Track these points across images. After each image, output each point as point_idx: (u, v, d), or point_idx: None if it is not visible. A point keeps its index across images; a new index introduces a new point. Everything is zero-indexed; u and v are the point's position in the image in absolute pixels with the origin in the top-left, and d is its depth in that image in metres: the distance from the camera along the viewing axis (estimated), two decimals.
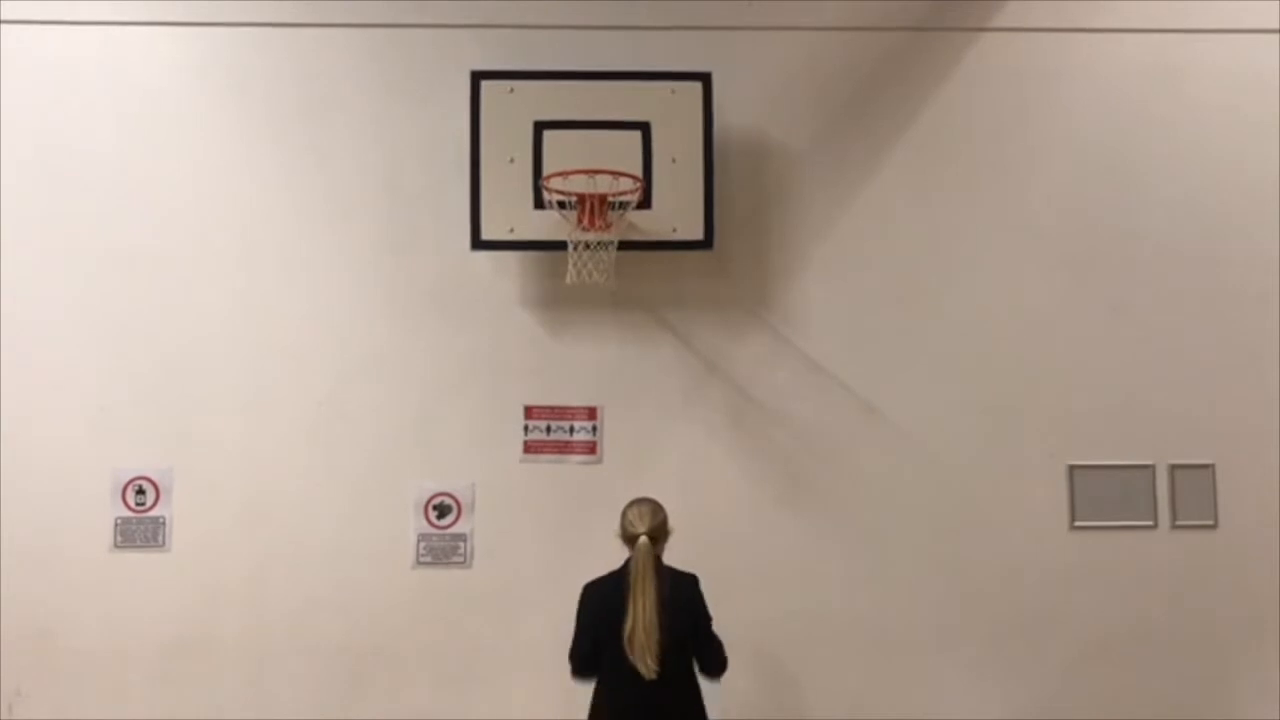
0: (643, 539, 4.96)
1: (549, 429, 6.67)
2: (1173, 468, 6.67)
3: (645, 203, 6.29)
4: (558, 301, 6.64)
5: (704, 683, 5.11)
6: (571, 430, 6.66)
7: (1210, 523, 6.65)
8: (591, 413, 6.68)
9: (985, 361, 6.72)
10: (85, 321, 6.60)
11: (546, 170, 6.21)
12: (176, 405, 6.58)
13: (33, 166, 6.65)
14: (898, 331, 6.73)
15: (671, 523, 5.18)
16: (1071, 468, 6.66)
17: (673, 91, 6.37)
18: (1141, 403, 6.70)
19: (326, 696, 6.42)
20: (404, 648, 6.46)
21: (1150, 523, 6.65)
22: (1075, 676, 6.53)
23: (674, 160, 6.33)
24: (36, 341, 6.57)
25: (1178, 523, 6.65)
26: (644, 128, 6.34)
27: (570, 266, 6.14)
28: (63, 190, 6.66)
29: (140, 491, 6.51)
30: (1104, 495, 6.64)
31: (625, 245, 6.22)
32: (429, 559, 6.55)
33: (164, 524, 6.51)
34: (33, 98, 6.69)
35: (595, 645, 4.96)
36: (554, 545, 6.55)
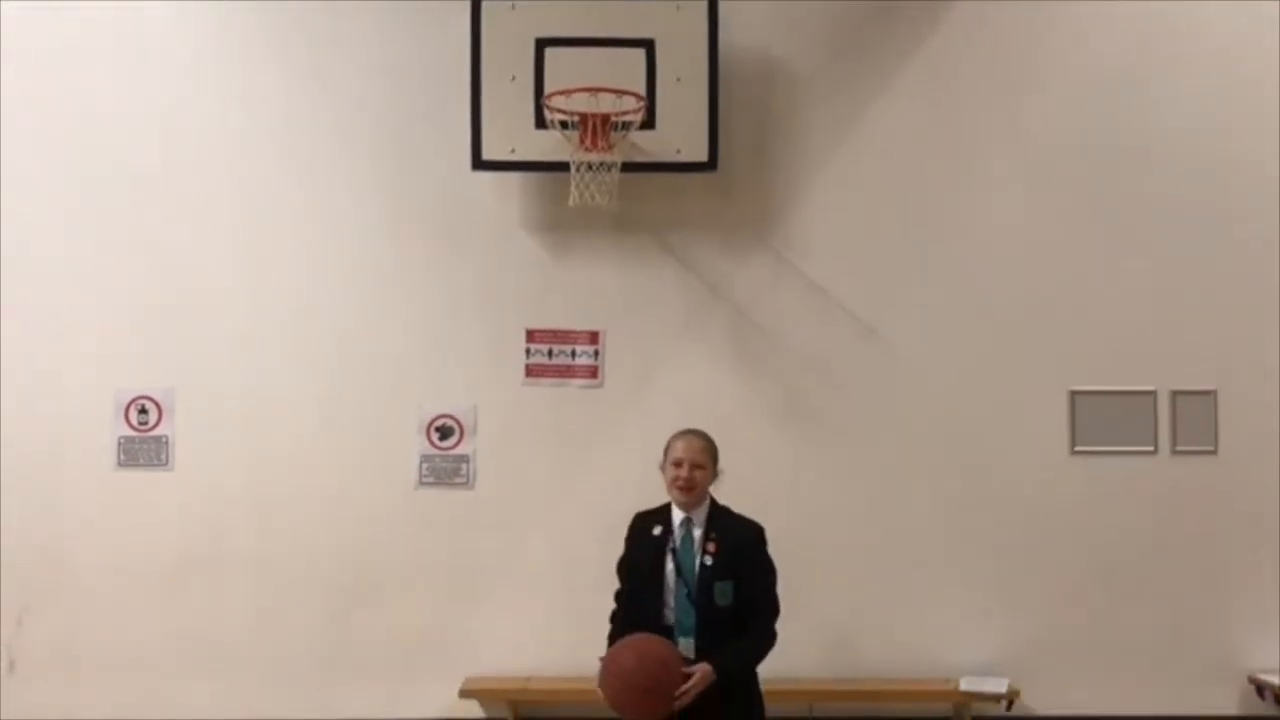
0: None
1: (550, 353, 6.66)
2: (1174, 393, 6.68)
3: (649, 123, 6.20)
4: (559, 224, 6.59)
5: None
6: (573, 354, 6.66)
7: (1210, 448, 6.67)
8: (593, 337, 6.66)
9: (988, 286, 6.69)
10: (86, 242, 6.57)
11: (548, 89, 6.12)
12: (178, 327, 6.57)
13: (31, 91, 6.56)
14: (900, 255, 6.69)
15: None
16: (1073, 393, 6.66)
17: (678, 8, 6.26)
18: (1144, 328, 6.68)
19: (330, 614, 6.50)
20: (407, 567, 6.52)
21: (1150, 448, 6.67)
22: (1073, 600, 6.60)
23: (678, 79, 6.24)
24: (38, 262, 6.54)
25: (1178, 448, 6.67)
26: (648, 46, 6.23)
27: (572, 188, 6.07)
28: (62, 113, 6.58)
29: (143, 411, 6.53)
30: (1105, 420, 6.65)
31: (628, 167, 6.15)
32: (431, 479, 6.59)
33: (167, 443, 6.53)
34: (31, 13, 6.58)
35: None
36: (555, 468, 6.58)
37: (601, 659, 3.96)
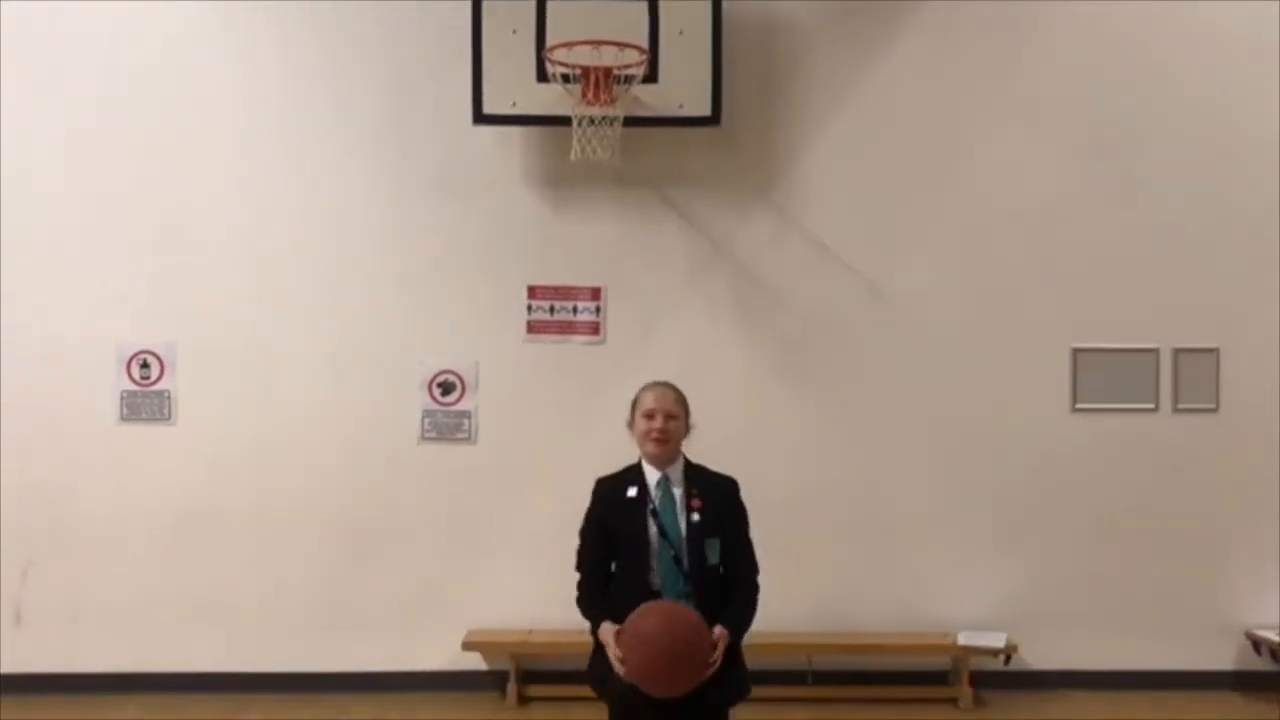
0: None
1: (552, 309, 6.65)
2: (1176, 351, 6.67)
3: (651, 76, 6.15)
4: (561, 179, 6.55)
5: None
6: (575, 310, 6.65)
7: (1212, 406, 6.67)
8: (595, 293, 6.65)
9: (991, 243, 6.67)
10: (88, 197, 6.53)
11: (550, 42, 6.05)
12: (179, 281, 6.56)
13: (36, 47, 6.50)
14: (903, 212, 6.66)
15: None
16: (1075, 350, 6.66)
17: None
18: (1147, 286, 6.67)
19: (332, 568, 6.54)
20: (409, 521, 6.56)
21: (1152, 406, 6.68)
22: (1072, 556, 6.64)
23: (681, 33, 6.18)
24: (39, 216, 6.51)
25: (1179, 406, 6.67)
26: None
27: (574, 142, 6.03)
28: (66, 70, 6.52)
29: (144, 365, 6.53)
30: (1107, 378, 6.65)
31: (630, 121, 6.11)
32: (433, 435, 6.60)
33: (169, 397, 6.55)
34: None
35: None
36: (557, 424, 6.59)
37: (621, 630, 3.63)
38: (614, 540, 3.81)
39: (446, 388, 6.61)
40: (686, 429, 3.92)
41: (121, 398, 6.52)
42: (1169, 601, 6.64)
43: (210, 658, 6.48)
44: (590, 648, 3.97)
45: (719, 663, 3.62)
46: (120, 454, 6.51)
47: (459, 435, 6.61)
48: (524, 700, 6.35)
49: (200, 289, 6.56)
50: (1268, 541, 6.65)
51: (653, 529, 3.74)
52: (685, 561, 3.71)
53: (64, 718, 6.04)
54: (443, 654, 6.46)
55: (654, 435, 3.81)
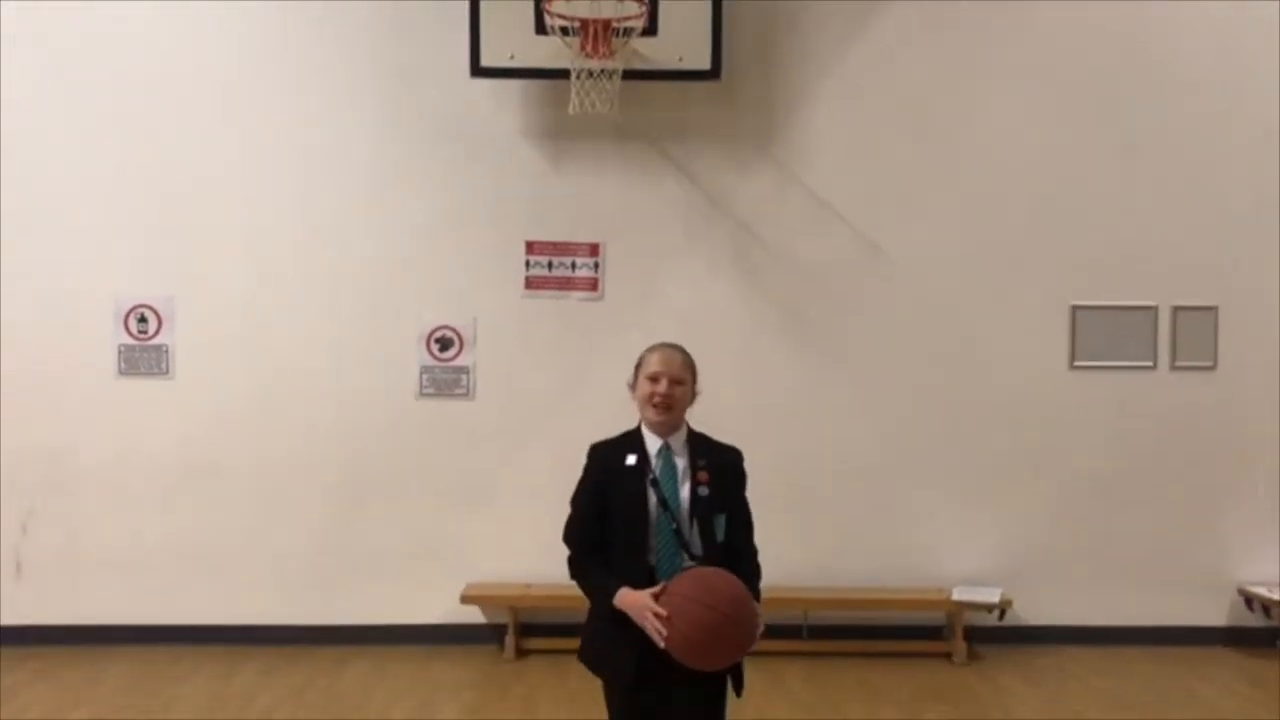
0: None
1: (550, 265, 6.63)
2: (1175, 309, 6.67)
3: (651, 29, 6.09)
4: (560, 133, 6.51)
5: None
6: (573, 266, 6.63)
7: (1209, 364, 6.68)
8: (594, 249, 6.62)
9: (991, 200, 6.64)
10: (85, 151, 6.49)
11: None
12: (177, 235, 6.53)
13: (36, 2, 6.42)
14: (904, 168, 6.62)
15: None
16: (1074, 308, 6.65)
17: None
18: (1148, 244, 6.65)
19: (332, 522, 6.57)
20: (408, 476, 6.58)
21: (1150, 363, 6.68)
22: (1068, 513, 6.67)
23: None
24: (37, 170, 6.47)
25: (1177, 364, 6.68)
26: None
27: (573, 95, 5.98)
28: (63, 23, 6.45)
29: (142, 320, 6.52)
30: (1105, 336, 6.65)
31: (629, 74, 6.06)
32: (432, 390, 6.61)
33: (167, 352, 6.54)
34: None
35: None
36: (555, 380, 6.59)
37: (662, 592, 3.24)
38: (609, 511, 3.47)
39: (445, 343, 6.61)
40: (692, 395, 3.59)
41: (119, 352, 6.51)
42: (1163, 558, 6.68)
43: (209, 610, 6.52)
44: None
45: (761, 635, 3.32)
46: (119, 408, 6.51)
47: (457, 391, 6.62)
48: (522, 653, 6.40)
49: (197, 245, 6.53)
50: (1262, 499, 6.69)
51: (652, 500, 3.41)
52: (686, 535, 3.39)
53: (64, 669, 6.07)
54: (441, 607, 6.51)
55: (657, 401, 3.48)
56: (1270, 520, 6.68)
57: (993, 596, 6.42)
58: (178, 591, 6.51)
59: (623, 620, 3.29)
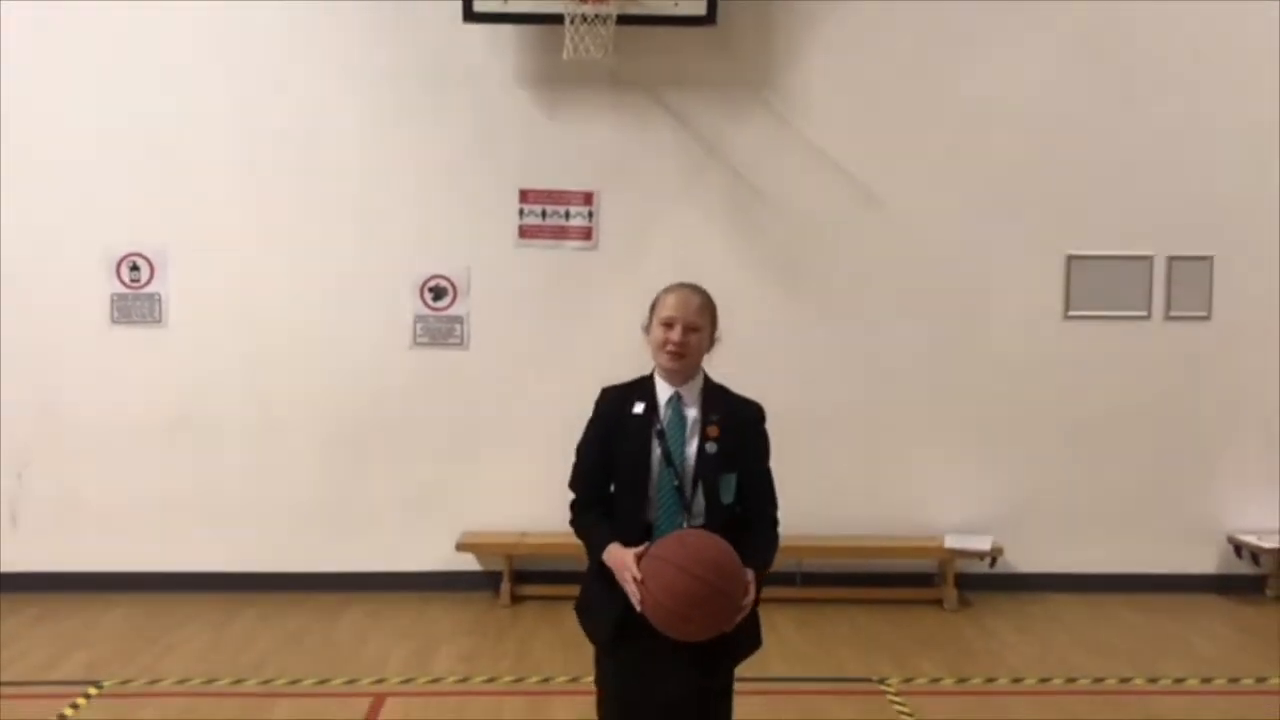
0: None
1: (544, 213, 6.59)
2: (1171, 259, 6.66)
3: None
4: (554, 79, 6.44)
5: None
6: (567, 215, 6.59)
7: (1204, 314, 6.69)
8: (588, 197, 6.59)
9: (988, 150, 6.60)
10: (75, 98, 6.41)
11: None
12: (167, 184, 6.47)
13: None
14: (901, 117, 6.57)
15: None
16: (1070, 257, 6.64)
17: None
18: (1144, 194, 6.63)
19: (326, 470, 6.58)
20: (403, 425, 6.58)
21: (1144, 314, 6.68)
22: (1060, 462, 6.70)
23: None
24: (31, 118, 6.39)
25: (1172, 314, 6.68)
26: None
27: (567, 40, 5.92)
28: None
29: (134, 268, 6.49)
30: (1100, 286, 6.65)
31: (624, 20, 5.99)
32: (426, 340, 6.60)
33: (159, 300, 6.51)
34: None
35: None
36: (549, 329, 6.58)
37: (644, 553, 3.01)
38: (614, 461, 3.22)
39: (438, 293, 6.59)
40: (710, 342, 3.28)
41: (112, 300, 6.49)
42: (1154, 506, 6.73)
43: (205, 558, 6.55)
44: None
45: (749, 608, 3.08)
46: (112, 356, 6.49)
47: (451, 340, 6.61)
48: (517, 600, 6.45)
49: (190, 192, 6.48)
50: (1254, 448, 6.73)
51: (656, 453, 3.14)
52: (689, 494, 3.13)
53: (62, 615, 6.12)
54: (437, 555, 6.55)
55: (670, 348, 3.16)
56: (1260, 469, 6.73)
57: (984, 544, 6.47)
58: (174, 539, 6.54)
59: (610, 576, 3.10)
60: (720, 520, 3.13)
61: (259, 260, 6.50)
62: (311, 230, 6.52)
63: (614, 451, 3.22)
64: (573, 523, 3.31)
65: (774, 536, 3.27)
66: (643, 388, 3.26)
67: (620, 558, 3.05)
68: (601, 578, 3.14)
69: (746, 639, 3.20)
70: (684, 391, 3.22)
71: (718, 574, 2.93)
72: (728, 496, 3.16)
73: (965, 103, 6.58)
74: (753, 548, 3.12)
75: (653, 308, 3.27)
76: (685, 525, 3.10)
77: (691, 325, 3.19)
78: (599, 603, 3.18)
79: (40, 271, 6.43)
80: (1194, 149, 6.62)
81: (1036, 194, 6.62)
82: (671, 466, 3.13)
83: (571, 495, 3.33)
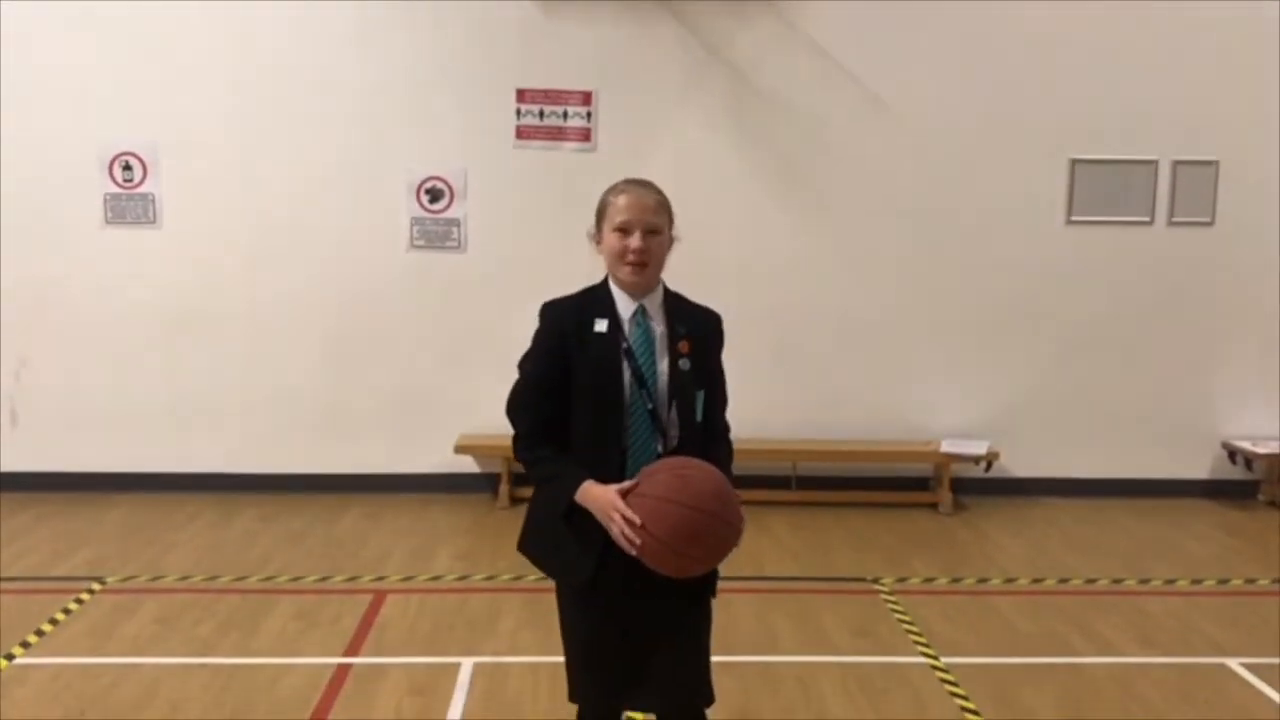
0: None
1: (542, 114, 6.49)
2: (1175, 164, 6.58)
3: None
4: None
5: None
6: (565, 116, 6.49)
7: (1207, 219, 6.63)
8: (586, 97, 6.48)
9: (993, 53, 6.49)
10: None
11: None
12: (159, 82, 6.36)
13: None
14: (907, 19, 6.44)
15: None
16: (1073, 161, 6.56)
17: None
18: (1148, 97, 6.52)
19: (324, 372, 6.59)
20: (402, 328, 6.58)
21: (1147, 219, 6.63)
22: (1057, 368, 6.72)
23: None
24: (20, 20, 6.25)
25: (1175, 219, 6.63)
26: None
27: None
28: None
29: (127, 168, 6.40)
30: (1103, 190, 6.58)
31: None
32: (423, 243, 6.55)
33: (153, 201, 6.44)
34: None
35: None
36: (547, 232, 6.52)
37: (632, 490, 2.69)
38: (573, 387, 2.85)
39: (435, 195, 6.52)
40: (669, 242, 2.90)
41: (105, 200, 6.42)
42: (1150, 412, 6.76)
43: (204, 459, 6.59)
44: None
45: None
46: (108, 257, 6.45)
47: (448, 243, 6.56)
48: (515, 501, 6.51)
49: (183, 95, 6.37)
50: (1251, 354, 6.73)
51: (627, 375, 2.82)
52: (664, 417, 2.82)
53: (64, 514, 6.17)
54: (436, 457, 6.59)
55: (631, 258, 2.81)
56: (1258, 376, 6.74)
57: (980, 449, 6.51)
58: (174, 441, 6.57)
59: (579, 512, 2.75)
60: (694, 441, 2.84)
61: (253, 161, 6.42)
62: (306, 132, 6.43)
63: (574, 377, 2.84)
64: (520, 456, 2.93)
65: (731, 447, 3.00)
66: (599, 301, 2.90)
67: (604, 497, 2.70)
68: (570, 516, 2.79)
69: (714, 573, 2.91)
70: (647, 303, 2.88)
71: (719, 503, 2.67)
72: (700, 414, 2.89)
73: (972, 6, 6.44)
74: (723, 464, 2.85)
75: (600, 213, 2.91)
76: (660, 450, 2.81)
77: (650, 228, 2.83)
78: (569, 542, 2.82)
79: (31, 171, 6.35)
80: (1200, 53, 6.50)
81: (1041, 97, 6.51)
82: (644, 388, 2.82)
83: (511, 427, 2.95)
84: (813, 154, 6.55)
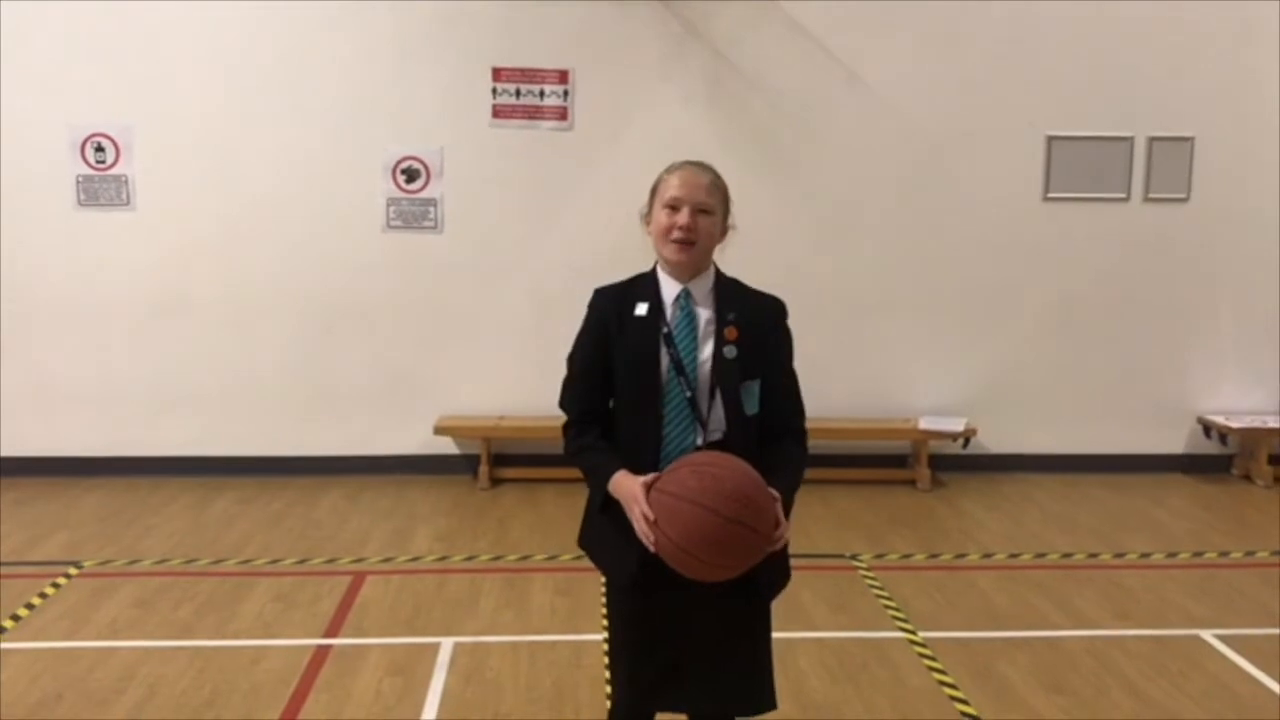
0: None
1: (518, 92, 6.45)
2: (1151, 140, 6.60)
3: None
4: None
5: None
6: (542, 94, 6.46)
7: (1183, 196, 6.66)
8: (563, 76, 6.45)
9: (969, 28, 6.48)
10: None
11: None
12: (132, 63, 6.29)
13: None
14: None
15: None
16: (1050, 138, 6.57)
17: None
18: (1125, 74, 6.54)
19: (302, 354, 6.56)
20: (378, 309, 6.55)
21: (1123, 195, 6.65)
22: (1034, 345, 6.75)
23: None
24: None
25: (1150, 195, 6.66)
26: None
27: None
28: None
29: (100, 149, 6.34)
30: (1080, 167, 6.60)
31: None
32: (399, 223, 6.51)
33: (127, 182, 6.38)
34: None
35: None
36: (525, 212, 6.51)
37: (654, 485, 2.54)
38: (615, 373, 2.73)
39: (411, 174, 6.48)
40: (723, 229, 2.81)
41: (78, 182, 6.36)
42: (1126, 388, 6.80)
43: (182, 442, 6.56)
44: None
45: (781, 542, 2.61)
46: (81, 239, 6.39)
47: (425, 224, 6.53)
48: (496, 482, 6.51)
49: (157, 75, 6.31)
50: (1226, 329, 6.78)
51: (665, 360, 2.68)
52: (704, 407, 2.67)
53: (41, 499, 6.13)
54: (415, 438, 6.57)
55: (676, 235, 2.69)
56: (1232, 351, 6.79)
57: (957, 425, 6.54)
58: (151, 424, 6.54)
59: (618, 505, 2.63)
60: (743, 436, 2.68)
61: (227, 142, 6.37)
62: (281, 113, 6.37)
63: (615, 362, 2.73)
64: (568, 448, 2.80)
65: (803, 453, 2.80)
66: (644, 286, 2.77)
67: (630, 489, 2.58)
68: (608, 509, 2.69)
69: (781, 575, 2.78)
70: (693, 288, 2.75)
71: (741, 507, 2.47)
72: (752, 407, 2.72)
73: None
74: (782, 467, 2.66)
75: (653, 191, 2.79)
76: (700, 443, 2.65)
77: (701, 207, 2.72)
78: (615, 539, 2.69)
79: (4, 157, 6.27)
80: (1177, 28, 6.51)
81: (1017, 73, 6.52)
82: (683, 375, 2.67)
83: (565, 416, 2.82)
84: (791, 132, 6.54)
